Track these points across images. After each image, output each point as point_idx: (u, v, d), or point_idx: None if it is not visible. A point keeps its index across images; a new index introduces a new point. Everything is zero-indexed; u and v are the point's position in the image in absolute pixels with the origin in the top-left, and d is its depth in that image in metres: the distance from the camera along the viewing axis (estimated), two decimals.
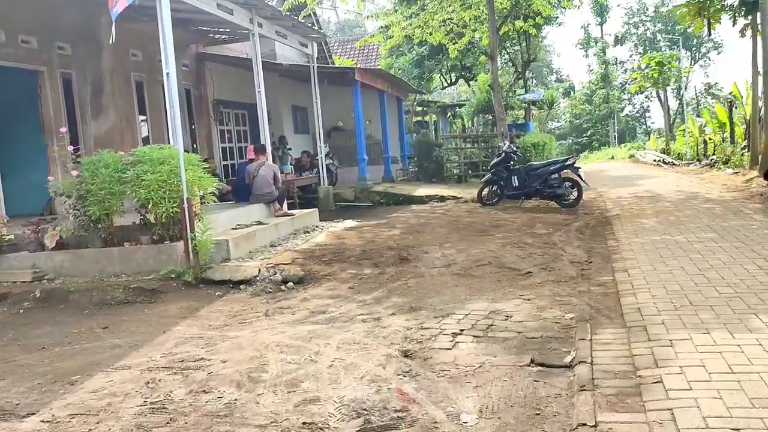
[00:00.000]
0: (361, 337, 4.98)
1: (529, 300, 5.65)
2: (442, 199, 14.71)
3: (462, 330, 4.91)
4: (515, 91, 24.85)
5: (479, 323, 5.05)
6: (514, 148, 13.44)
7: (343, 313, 5.70)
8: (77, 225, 7.60)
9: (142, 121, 12.28)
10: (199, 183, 7.58)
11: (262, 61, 14.98)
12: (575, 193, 12.31)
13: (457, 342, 4.66)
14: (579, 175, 12.34)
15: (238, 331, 5.45)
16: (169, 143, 7.86)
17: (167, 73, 7.69)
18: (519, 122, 26.74)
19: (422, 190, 15.63)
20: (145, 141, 12.08)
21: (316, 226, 10.47)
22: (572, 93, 54.10)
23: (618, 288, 5.88)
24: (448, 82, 26.93)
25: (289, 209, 11.23)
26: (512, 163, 12.91)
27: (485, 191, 13.15)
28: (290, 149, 16.54)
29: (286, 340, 5.02)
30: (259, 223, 9.20)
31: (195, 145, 14.35)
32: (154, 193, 7.28)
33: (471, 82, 25.94)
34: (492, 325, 5.00)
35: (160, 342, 5.29)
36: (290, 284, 6.97)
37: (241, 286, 7.07)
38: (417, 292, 6.24)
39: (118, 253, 7.62)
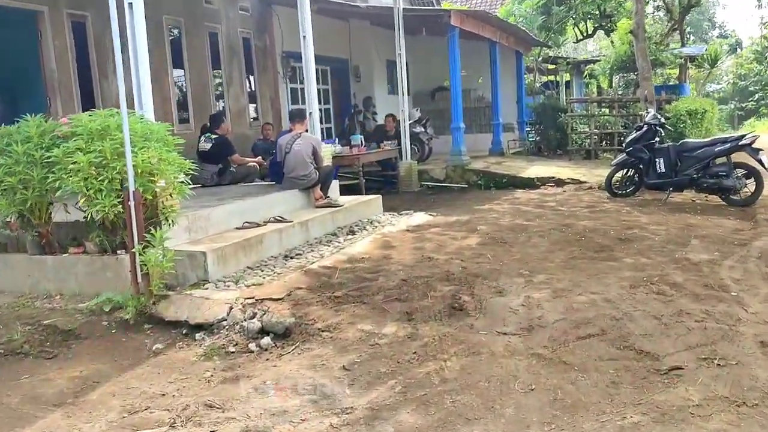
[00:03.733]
0: None
1: None
2: (560, 183, 11.35)
3: None
4: (668, 44, 20.09)
5: None
6: (661, 120, 9.76)
7: None
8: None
9: (178, 77, 10.08)
10: (162, 168, 5.09)
11: (339, 3, 12.40)
12: (752, 186, 8.58)
13: None
14: (760, 160, 8.56)
15: None
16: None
17: (130, 3, 5.44)
18: (671, 83, 21.89)
19: (535, 170, 12.30)
20: (182, 102, 9.91)
21: (371, 221, 7.75)
22: (738, 50, 46.09)
23: None
24: (583, 33, 22.57)
25: (347, 194, 8.61)
26: (657, 139, 9.32)
27: (617, 177, 9.69)
28: (375, 113, 13.77)
29: None
30: (280, 219, 6.62)
31: (256, 107, 12.06)
32: (88, 182, 4.90)
33: (611, 34, 21.51)
34: None
35: None
36: (267, 339, 4.35)
37: (198, 335, 4.57)
38: (451, 400, 3.35)
39: (53, 264, 5.40)
